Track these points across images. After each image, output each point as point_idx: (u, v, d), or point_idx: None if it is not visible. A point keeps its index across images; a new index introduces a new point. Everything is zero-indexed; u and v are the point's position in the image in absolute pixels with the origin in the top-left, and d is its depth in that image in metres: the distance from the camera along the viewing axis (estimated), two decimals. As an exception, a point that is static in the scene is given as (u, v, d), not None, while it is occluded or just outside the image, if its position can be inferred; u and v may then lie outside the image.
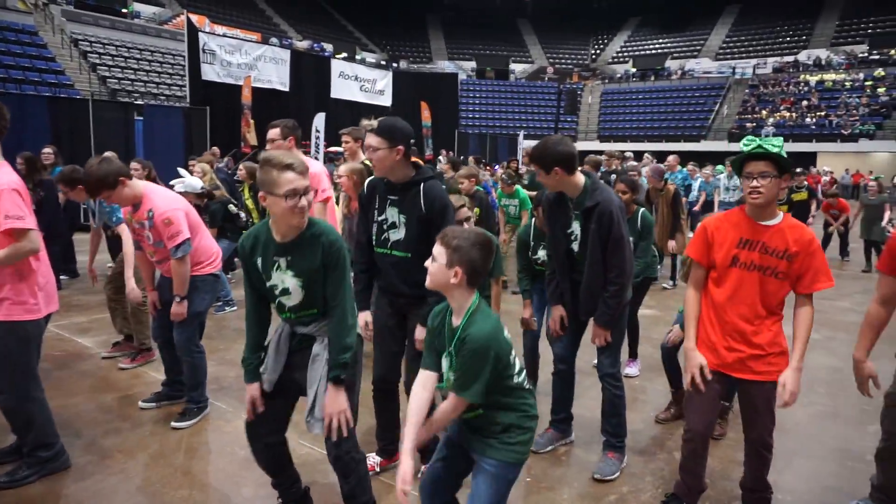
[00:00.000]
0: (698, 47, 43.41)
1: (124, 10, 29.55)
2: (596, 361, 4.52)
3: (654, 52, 44.72)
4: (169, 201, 3.35)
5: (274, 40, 30.91)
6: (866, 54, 35.10)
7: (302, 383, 2.32)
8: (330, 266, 2.20)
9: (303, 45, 35.62)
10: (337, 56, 29.17)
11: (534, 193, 8.13)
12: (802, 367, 2.44)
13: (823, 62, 36.18)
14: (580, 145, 35.01)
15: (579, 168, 2.96)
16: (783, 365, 2.49)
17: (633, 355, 4.63)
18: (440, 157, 19.82)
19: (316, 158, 16.37)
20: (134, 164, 6.42)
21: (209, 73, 17.75)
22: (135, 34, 27.84)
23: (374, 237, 2.81)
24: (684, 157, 25.90)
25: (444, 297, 1.98)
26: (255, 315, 2.38)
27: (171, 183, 5.91)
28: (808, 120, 31.79)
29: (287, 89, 19.93)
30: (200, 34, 18.09)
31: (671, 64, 41.58)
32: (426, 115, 23.13)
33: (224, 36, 21.66)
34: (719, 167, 14.81)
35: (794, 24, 40.95)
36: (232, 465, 3.06)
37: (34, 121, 13.00)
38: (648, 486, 2.97)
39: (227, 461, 3.11)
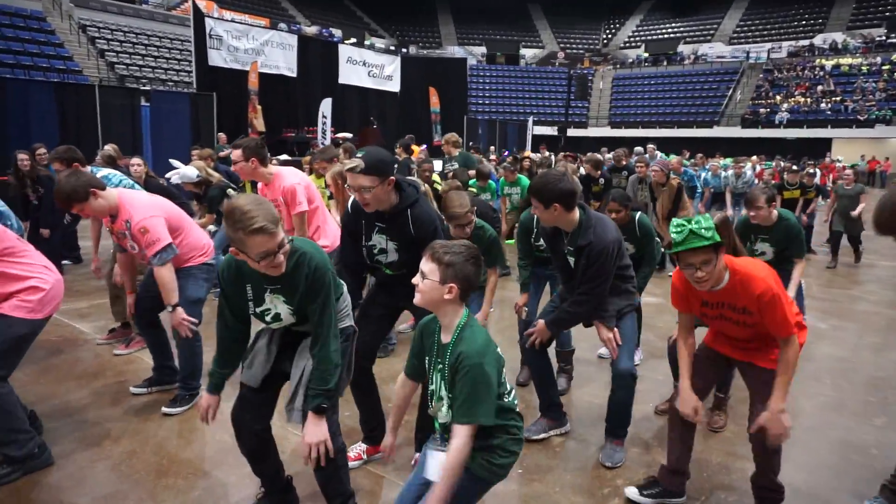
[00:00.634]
0: (711, 31, 42.71)
1: (132, -4, 29.51)
2: (600, 352, 4.50)
3: (666, 36, 44.05)
4: (145, 209, 3.23)
5: (283, 26, 30.74)
6: (884, 37, 34.37)
7: (289, 371, 2.29)
8: (312, 294, 2.14)
9: (311, 30, 35.40)
10: (346, 42, 28.97)
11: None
12: (784, 408, 2.36)
13: (840, 46, 35.47)
14: (591, 132, 34.73)
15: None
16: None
17: (636, 343, 4.53)
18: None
19: (322, 144, 16.31)
20: (135, 160, 6.40)
21: (216, 58, 17.67)
22: (143, 20, 27.78)
23: (365, 258, 2.77)
24: (696, 144, 25.80)
25: None
26: (231, 335, 2.31)
27: (167, 175, 5.87)
28: (823, 105, 31.24)
29: (294, 75, 19.83)
30: (207, 19, 17.98)
31: (684, 48, 40.96)
32: (435, 101, 22.96)
33: (231, 21, 21.55)
34: (725, 161, 14.53)
35: (809, 7, 40.16)
36: (219, 452, 3.01)
37: (41, 107, 13.00)
38: (641, 479, 2.89)
39: (214, 448, 3.07)
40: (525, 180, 7.81)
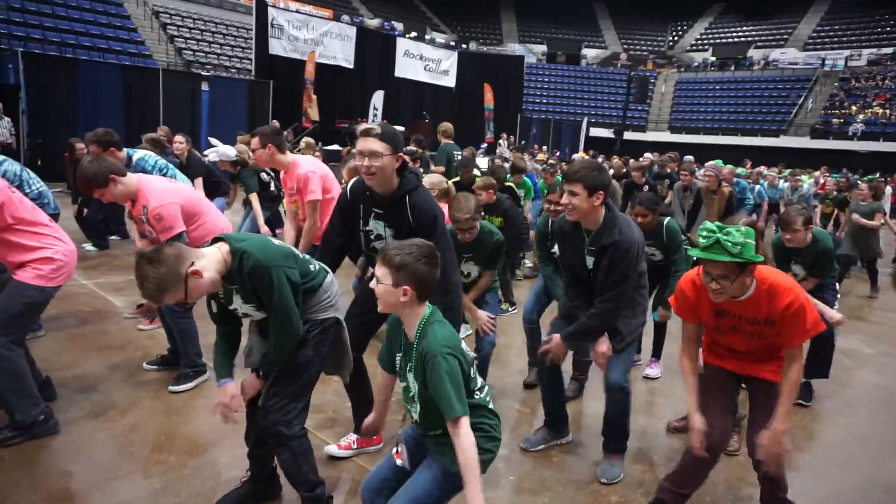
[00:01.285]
0: (786, 36, 40.79)
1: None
2: None
3: (736, 40, 42.35)
4: (162, 195, 3.29)
5: (345, 17, 31.17)
6: (977, 48, 32.06)
7: None
8: (259, 292, 2.13)
9: (373, 23, 35.77)
10: (407, 35, 29.14)
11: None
12: (787, 429, 2.25)
13: (927, 56, 33.29)
14: (650, 136, 33.80)
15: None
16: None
17: (657, 355, 4.37)
18: (500, 141, 19.56)
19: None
20: (178, 138, 6.59)
21: (276, 47, 18.10)
22: (212, 7, 28.72)
23: (362, 244, 2.75)
24: (760, 153, 24.75)
25: None
26: (224, 332, 2.34)
27: (206, 152, 6.03)
28: (902, 118, 29.41)
29: (351, 66, 20.09)
30: (270, 9, 18.42)
31: (754, 53, 39.28)
32: (489, 98, 22.83)
33: (295, 12, 21.99)
34: (784, 173, 13.84)
35: (895, 11, 37.78)
36: (215, 431, 3.05)
37: (109, 88, 13.60)
38: (639, 498, 2.77)
39: (211, 427, 3.10)
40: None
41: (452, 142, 8.09)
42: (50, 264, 2.90)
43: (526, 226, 6.35)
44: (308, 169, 3.80)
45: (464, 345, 1.89)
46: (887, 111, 30.19)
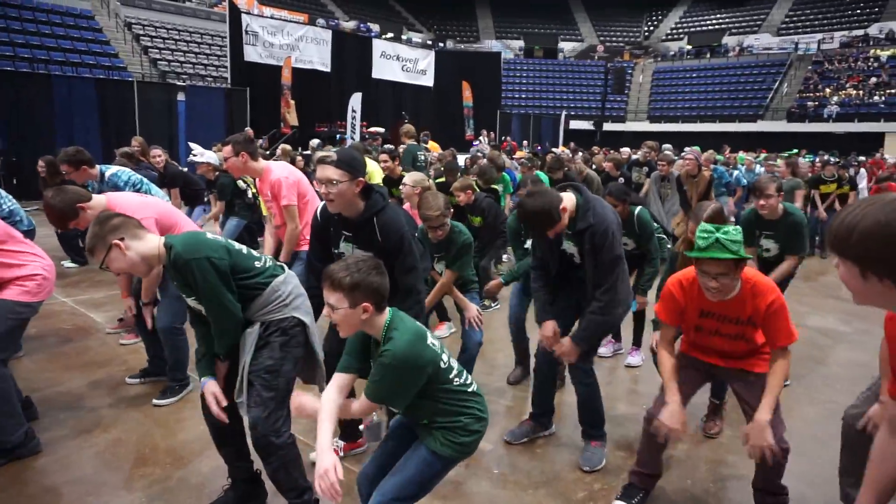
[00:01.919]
0: (759, 22, 41.20)
1: (177, -6, 30.24)
2: (601, 351, 4.39)
3: (711, 27, 42.71)
4: (135, 210, 3.21)
5: (321, 21, 31.07)
6: (946, 26, 32.59)
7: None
8: (189, 283, 2.19)
9: (349, 25, 35.68)
10: (383, 37, 29.09)
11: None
12: (769, 421, 2.28)
13: (897, 35, 33.79)
14: (629, 126, 34.02)
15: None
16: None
17: (637, 343, 4.43)
18: (481, 138, 19.60)
19: (352, 139, 16.44)
20: (156, 151, 6.58)
21: (251, 54, 18.00)
22: (185, 17, 28.44)
23: None
24: (738, 139, 24.96)
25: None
26: (201, 334, 2.38)
27: (192, 151, 6.02)
28: (876, 98, 29.81)
29: (328, 70, 20.03)
30: (243, 16, 18.33)
31: (729, 40, 39.64)
32: (467, 95, 22.86)
33: (270, 17, 21.89)
34: (760, 158, 13.99)
35: (865, -5, 38.31)
36: (200, 441, 3.05)
37: (83, 102, 13.48)
38: (621, 485, 2.81)
39: (196, 437, 3.11)
40: (543, 176, 7.70)
41: (415, 142, 8.16)
42: (33, 280, 2.93)
43: (505, 222, 6.39)
44: (280, 175, 3.82)
45: (430, 336, 1.92)
46: (860, 92, 30.61)
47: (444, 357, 1.93)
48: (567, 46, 43.90)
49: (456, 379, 1.94)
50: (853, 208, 1.08)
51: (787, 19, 40.53)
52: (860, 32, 35.46)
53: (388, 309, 1.89)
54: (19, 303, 2.88)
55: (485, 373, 4.14)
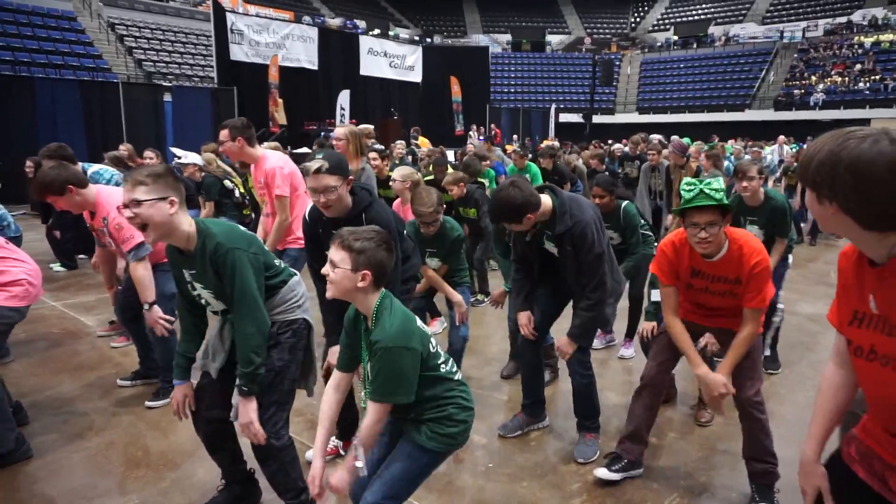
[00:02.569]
0: (744, 11, 41.37)
1: (160, -7, 29.99)
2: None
3: (696, 18, 42.85)
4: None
5: (307, 19, 30.88)
6: (929, 12, 32.83)
7: None
8: (220, 274, 2.11)
9: (335, 22, 35.47)
10: (370, 33, 28.95)
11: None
12: (727, 376, 2.48)
13: (880, 22, 33.96)
14: (618, 118, 34.09)
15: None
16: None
17: (630, 335, 4.44)
18: (471, 133, 19.58)
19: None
20: (148, 153, 6.54)
21: (238, 53, 17.87)
22: (169, 16, 28.19)
23: None
24: (727, 128, 25.04)
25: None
26: (191, 319, 2.33)
27: (177, 155, 5.98)
28: (861, 84, 30.01)
29: (315, 67, 19.92)
30: (228, 14, 18.19)
31: (715, 30, 39.77)
32: (456, 90, 22.82)
33: (254, 16, 21.72)
34: (767, 149, 14.07)
35: (849, -18, 38.53)
36: (193, 442, 3.02)
37: (67, 105, 13.34)
38: (606, 458, 2.82)
39: (188, 439, 3.08)
40: (534, 167, 7.71)
41: (374, 142, 8.15)
42: (19, 286, 2.90)
43: None
44: (275, 164, 3.80)
45: (418, 321, 1.92)
46: (846, 79, 30.81)
47: (433, 342, 1.93)
48: (555, 39, 43.89)
49: (443, 366, 1.94)
50: (818, 141, 1.18)
51: (771, 7, 40.71)
52: (844, 20, 35.66)
53: (381, 290, 1.87)
54: (8, 307, 2.87)
55: (478, 366, 4.15)
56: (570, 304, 3.01)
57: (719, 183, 2.37)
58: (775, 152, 13.22)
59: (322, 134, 16.31)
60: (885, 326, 1.20)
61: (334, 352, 2.52)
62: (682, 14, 44.42)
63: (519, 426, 3.20)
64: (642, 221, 4.20)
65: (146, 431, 3.22)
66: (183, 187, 2.18)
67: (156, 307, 3.22)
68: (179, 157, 5.87)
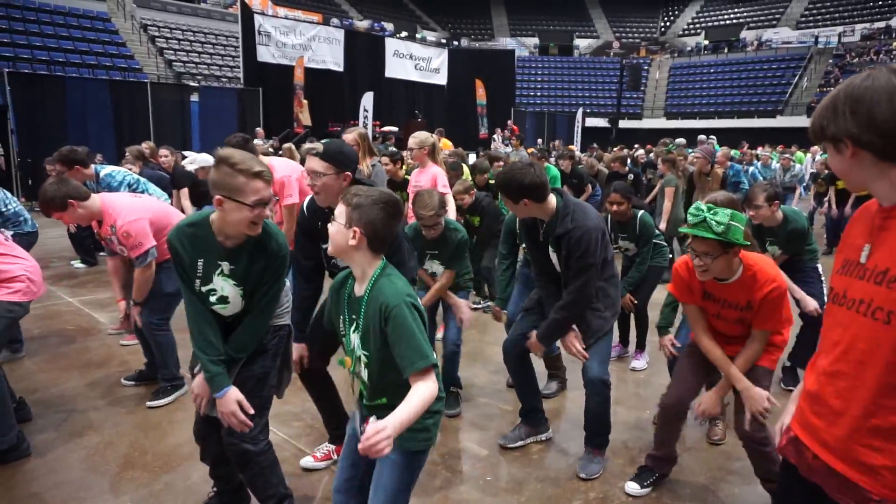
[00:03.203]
0: (777, 16, 40.52)
1: (192, -5, 30.54)
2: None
3: (728, 22, 42.11)
4: (128, 212, 3.25)
5: (335, 21, 31.13)
6: (972, 18, 31.74)
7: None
8: (270, 270, 2.12)
9: (363, 24, 35.71)
10: (397, 36, 29.05)
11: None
12: (723, 395, 2.48)
13: (921, 28, 33.00)
14: (645, 123, 33.65)
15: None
16: (775, 355, 2.52)
17: (641, 347, 4.32)
18: (495, 136, 19.49)
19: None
20: (163, 151, 6.60)
21: (264, 54, 18.07)
22: (200, 18, 28.68)
23: (325, 263, 2.71)
24: (757, 135, 24.53)
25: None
26: (204, 316, 2.14)
27: (183, 163, 6.02)
28: (900, 92, 29.12)
29: (341, 69, 20.04)
30: (256, 16, 18.40)
31: (747, 34, 39.05)
32: (481, 94, 22.73)
33: (284, 18, 21.97)
34: (799, 155, 13.65)
35: (888, -14, 37.47)
36: (190, 444, 2.97)
37: (97, 104, 13.62)
38: (618, 493, 2.72)
39: (186, 440, 3.05)
40: (554, 170, 7.59)
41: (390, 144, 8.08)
42: (20, 282, 2.93)
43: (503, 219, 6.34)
44: (284, 173, 3.79)
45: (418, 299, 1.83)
46: (884, 86, 29.92)
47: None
48: (582, 43, 43.54)
49: None
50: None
51: (806, 12, 39.81)
52: (882, 24, 34.69)
53: (382, 259, 1.77)
54: (12, 302, 2.89)
55: (484, 374, 4.07)
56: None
57: (727, 216, 2.25)
58: (808, 165, 12.73)
59: (376, 138, 16.37)
60: (865, 273, 1.22)
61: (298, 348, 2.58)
62: (714, 18, 43.70)
63: (520, 436, 3.11)
64: (657, 231, 4.10)
65: (145, 432, 3.21)
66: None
67: (138, 309, 3.42)
68: (189, 162, 5.90)
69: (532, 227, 2.83)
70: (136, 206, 3.34)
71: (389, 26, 37.37)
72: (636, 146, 18.56)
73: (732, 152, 12.06)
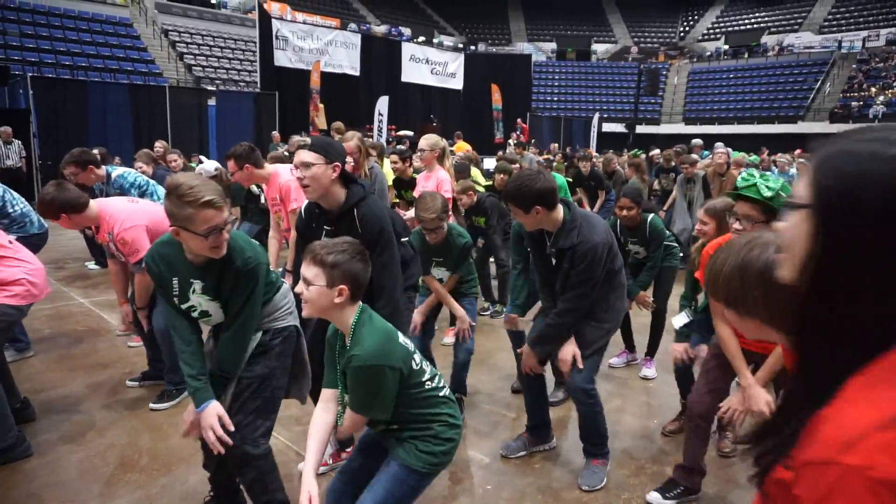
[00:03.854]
0: (800, 20, 39.96)
1: (213, 0, 30.91)
2: (610, 361, 4.22)
3: (749, 27, 41.60)
4: (125, 219, 3.24)
5: (352, 26, 31.33)
6: None
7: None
8: (240, 288, 2.07)
9: (380, 29, 35.88)
10: (415, 40, 29.17)
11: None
12: (752, 386, 2.40)
13: (948, 32, 32.34)
14: (663, 129, 33.33)
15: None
16: None
17: (652, 354, 4.23)
18: (510, 140, 19.43)
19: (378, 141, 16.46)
20: (172, 156, 6.66)
21: (282, 58, 18.23)
22: (220, 23, 29.03)
23: None
24: (778, 140, 24.19)
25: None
26: (188, 325, 2.17)
27: (198, 168, 6.06)
28: (925, 98, 28.57)
29: (357, 74, 20.14)
30: (274, 21, 18.58)
31: (768, 39, 38.53)
32: (496, 98, 22.69)
33: (302, 23, 22.14)
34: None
35: (914, -10, 36.81)
36: (189, 447, 2.99)
37: (117, 108, 13.83)
38: (662, 483, 2.65)
39: (187, 446, 3.05)
40: (560, 178, 7.52)
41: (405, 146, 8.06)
42: (20, 286, 2.93)
43: (509, 221, 6.28)
44: (288, 179, 3.78)
45: (401, 337, 1.84)
46: (909, 91, 29.39)
47: (417, 357, 1.85)
48: (600, 48, 43.33)
49: (428, 382, 1.85)
50: (722, 252, 1.14)
51: (829, 17, 39.21)
52: (908, 29, 34.09)
53: (359, 303, 1.80)
54: (9, 306, 2.89)
55: (490, 381, 4.01)
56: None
57: (776, 182, 2.34)
58: None
59: (390, 142, 16.44)
60: None
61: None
62: (735, 23, 43.22)
63: (523, 447, 3.05)
64: (668, 233, 4.03)
65: (146, 434, 3.20)
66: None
67: (142, 312, 3.46)
68: (201, 171, 5.94)
69: (539, 239, 2.77)
70: (132, 213, 3.33)
71: (407, 31, 37.53)
72: (656, 150, 18.35)
73: (750, 158, 11.88)
